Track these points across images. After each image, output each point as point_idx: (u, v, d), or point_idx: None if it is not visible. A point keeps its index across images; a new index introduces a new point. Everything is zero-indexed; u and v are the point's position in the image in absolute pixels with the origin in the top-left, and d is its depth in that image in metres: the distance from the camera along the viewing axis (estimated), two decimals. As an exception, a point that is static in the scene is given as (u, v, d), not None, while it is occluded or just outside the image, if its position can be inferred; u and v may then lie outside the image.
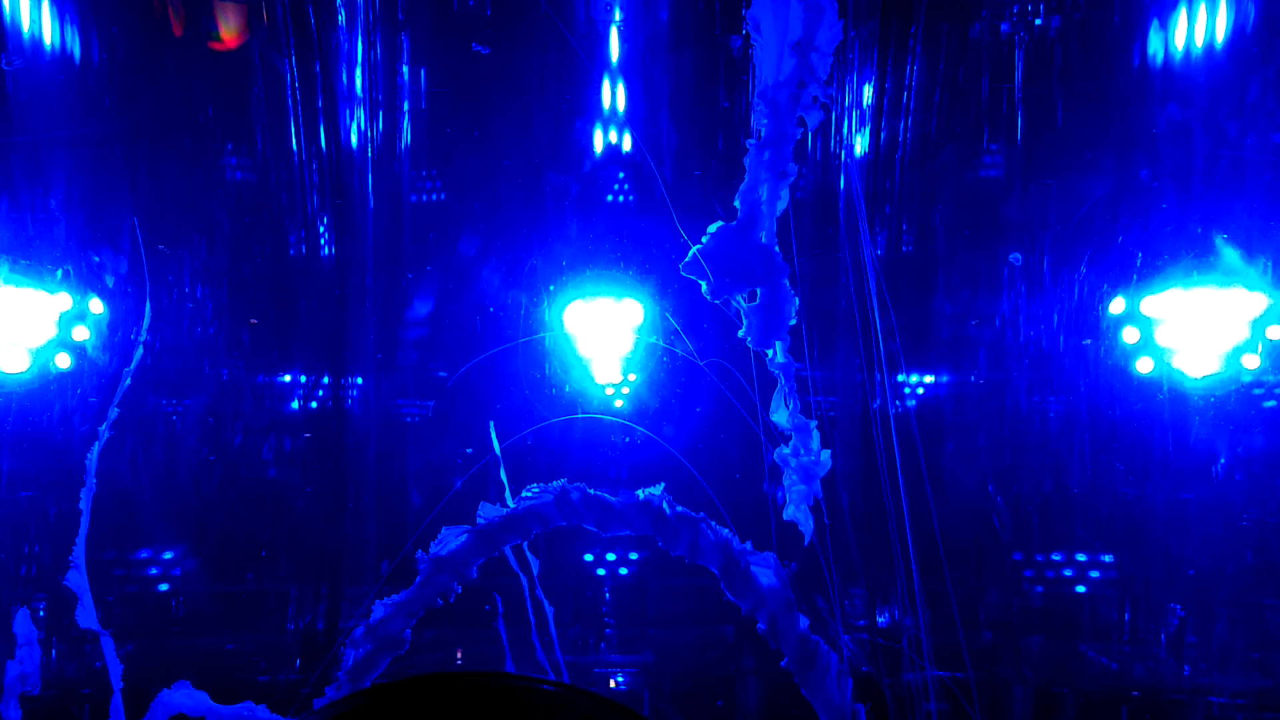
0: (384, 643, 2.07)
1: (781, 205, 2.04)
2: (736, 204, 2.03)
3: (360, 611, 2.68)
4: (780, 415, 2.03)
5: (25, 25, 2.18)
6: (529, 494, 2.08)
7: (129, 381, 2.09)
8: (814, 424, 2.01)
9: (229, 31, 2.39)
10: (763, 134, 1.99)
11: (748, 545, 2.06)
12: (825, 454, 2.03)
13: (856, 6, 2.57)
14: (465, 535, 2.06)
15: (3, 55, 2.10)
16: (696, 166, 2.50)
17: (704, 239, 2.02)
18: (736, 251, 2.01)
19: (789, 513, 2.07)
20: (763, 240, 2.02)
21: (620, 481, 2.61)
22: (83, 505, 1.94)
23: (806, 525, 2.05)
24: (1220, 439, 2.27)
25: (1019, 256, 2.35)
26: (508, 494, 2.19)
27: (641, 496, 2.08)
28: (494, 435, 2.24)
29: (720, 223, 2.01)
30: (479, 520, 2.06)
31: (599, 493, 2.09)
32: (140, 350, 2.16)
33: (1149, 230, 2.27)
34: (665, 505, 2.07)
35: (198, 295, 2.40)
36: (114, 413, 2.10)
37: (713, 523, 2.07)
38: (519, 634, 2.63)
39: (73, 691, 2.14)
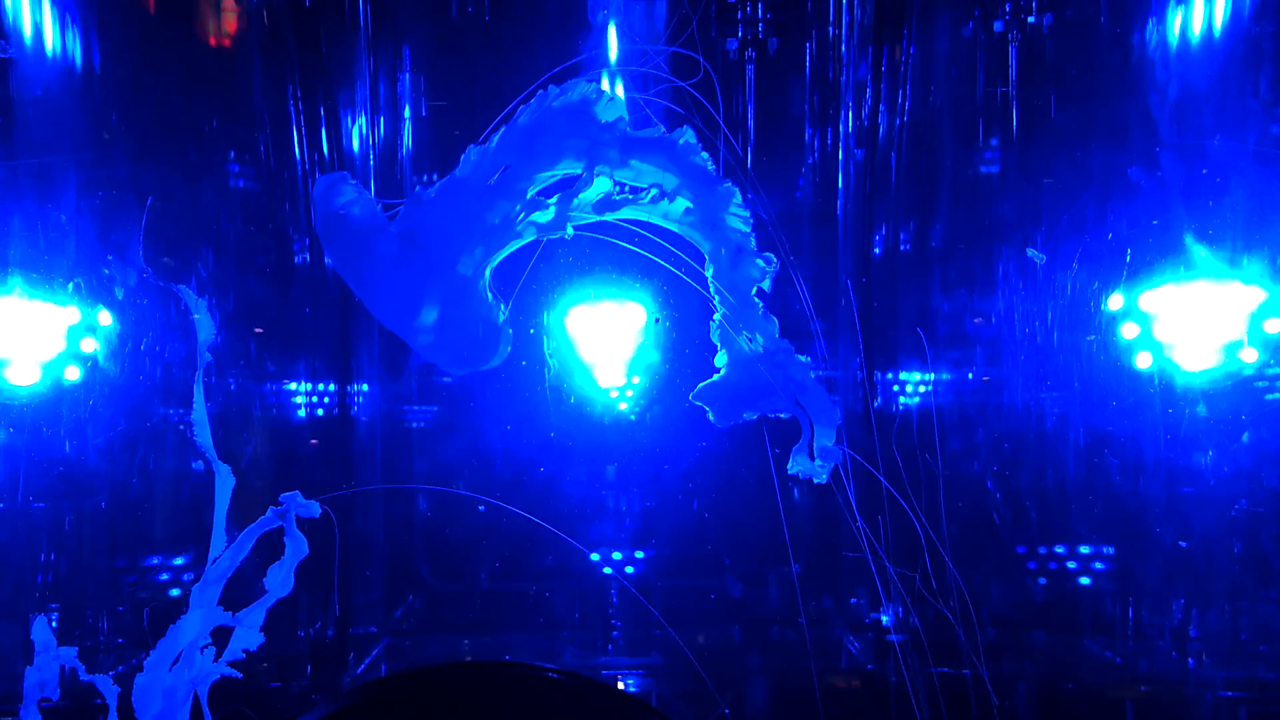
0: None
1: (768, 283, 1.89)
2: (719, 364, 1.89)
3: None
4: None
5: (27, 32, 2.20)
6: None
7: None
8: (837, 400, 1.93)
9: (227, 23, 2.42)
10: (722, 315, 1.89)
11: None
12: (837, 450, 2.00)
13: (850, 5, 2.60)
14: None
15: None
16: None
17: (714, 377, 1.91)
18: (747, 384, 1.90)
19: (807, 471, 1.96)
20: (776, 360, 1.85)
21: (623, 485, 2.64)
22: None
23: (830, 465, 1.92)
24: (1220, 433, 2.28)
25: (1038, 253, 2.36)
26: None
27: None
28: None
29: (720, 373, 1.89)
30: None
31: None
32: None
33: (1144, 225, 2.29)
34: None
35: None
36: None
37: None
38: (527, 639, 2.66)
39: (87, 701, 2.15)
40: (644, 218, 1.89)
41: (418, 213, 1.84)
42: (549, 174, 1.87)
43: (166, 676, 1.80)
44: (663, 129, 1.87)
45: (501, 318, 1.88)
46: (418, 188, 1.88)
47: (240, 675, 1.83)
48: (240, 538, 1.83)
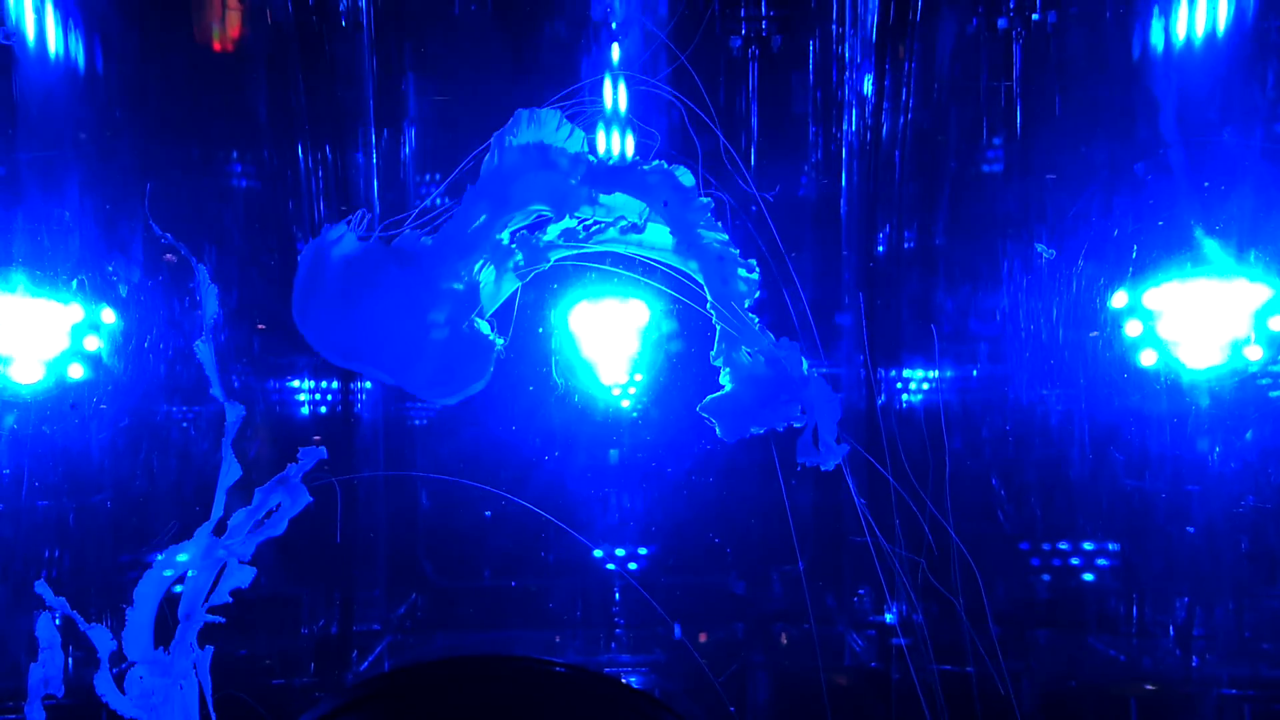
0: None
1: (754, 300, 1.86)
2: (723, 381, 1.84)
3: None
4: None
5: (30, 29, 2.21)
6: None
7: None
8: (840, 397, 1.91)
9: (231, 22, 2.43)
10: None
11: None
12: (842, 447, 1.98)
13: (854, 3, 2.60)
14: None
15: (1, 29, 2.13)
16: (697, 165, 2.52)
17: (720, 392, 1.89)
18: (752, 399, 1.87)
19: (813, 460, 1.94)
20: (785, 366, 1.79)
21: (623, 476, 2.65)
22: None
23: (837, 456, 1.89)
24: (1225, 430, 2.28)
25: (1047, 249, 2.35)
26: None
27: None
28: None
29: (725, 389, 1.84)
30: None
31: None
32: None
33: (1148, 223, 2.28)
34: None
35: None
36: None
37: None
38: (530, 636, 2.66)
39: (91, 698, 2.16)
40: (620, 250, 1.88)
41: (405, 263, 1.83)
42: (522, 218, 1.86)
43: (164, 657, 1.80)
44: (618, 159, 1.86)
45: (489, 368, 1.85)
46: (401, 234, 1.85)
47: (224, 620, 1.84)
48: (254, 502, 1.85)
